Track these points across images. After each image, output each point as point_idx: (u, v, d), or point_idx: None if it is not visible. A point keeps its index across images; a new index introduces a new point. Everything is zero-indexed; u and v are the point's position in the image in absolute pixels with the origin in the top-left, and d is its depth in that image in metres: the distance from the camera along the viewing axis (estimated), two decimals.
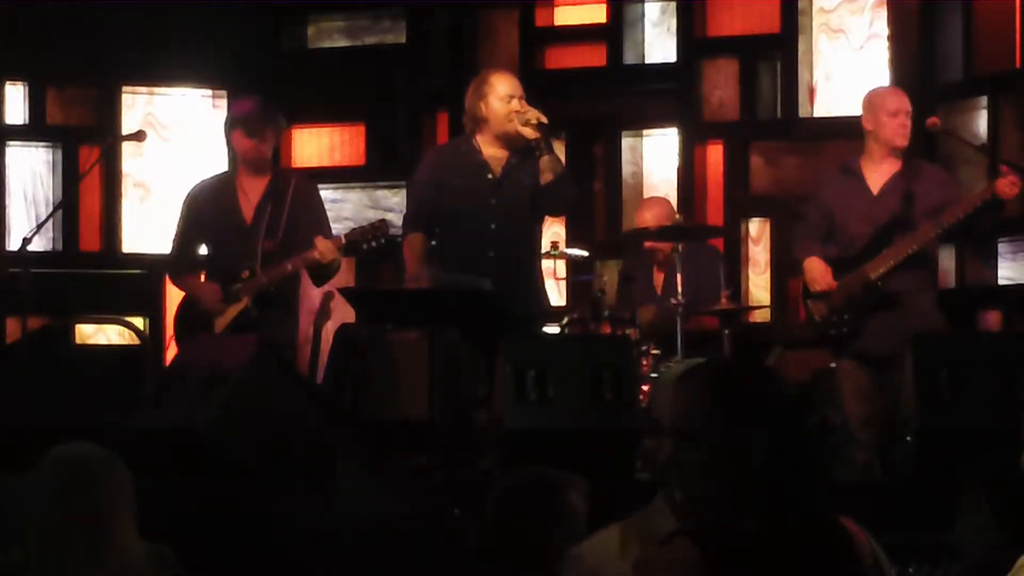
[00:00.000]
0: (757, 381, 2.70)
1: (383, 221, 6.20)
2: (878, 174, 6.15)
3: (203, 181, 6.61)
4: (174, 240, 6.55)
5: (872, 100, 6.20)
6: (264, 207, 6.32)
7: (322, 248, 6.06)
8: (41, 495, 3.26)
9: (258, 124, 6.29)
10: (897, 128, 6.09)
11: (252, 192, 6.36)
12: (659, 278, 7.08)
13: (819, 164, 7.87)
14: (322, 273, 6.29)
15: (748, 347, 7.05)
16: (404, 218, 6.34)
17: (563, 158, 6.95)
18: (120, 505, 3.28)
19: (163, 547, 3.39)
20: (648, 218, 6.97)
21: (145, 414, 5.52)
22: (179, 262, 6.52)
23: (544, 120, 5.87)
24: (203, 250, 6.55)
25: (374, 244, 6.12)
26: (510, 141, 5.98)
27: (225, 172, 6.56)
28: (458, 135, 6.49)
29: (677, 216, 6.75)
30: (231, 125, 6.38)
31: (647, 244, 7.03)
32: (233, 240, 6.31)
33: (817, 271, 6.13)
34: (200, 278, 6.50)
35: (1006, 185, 5.82)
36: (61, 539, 3.22)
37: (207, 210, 6.42)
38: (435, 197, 6.05)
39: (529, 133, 5.88)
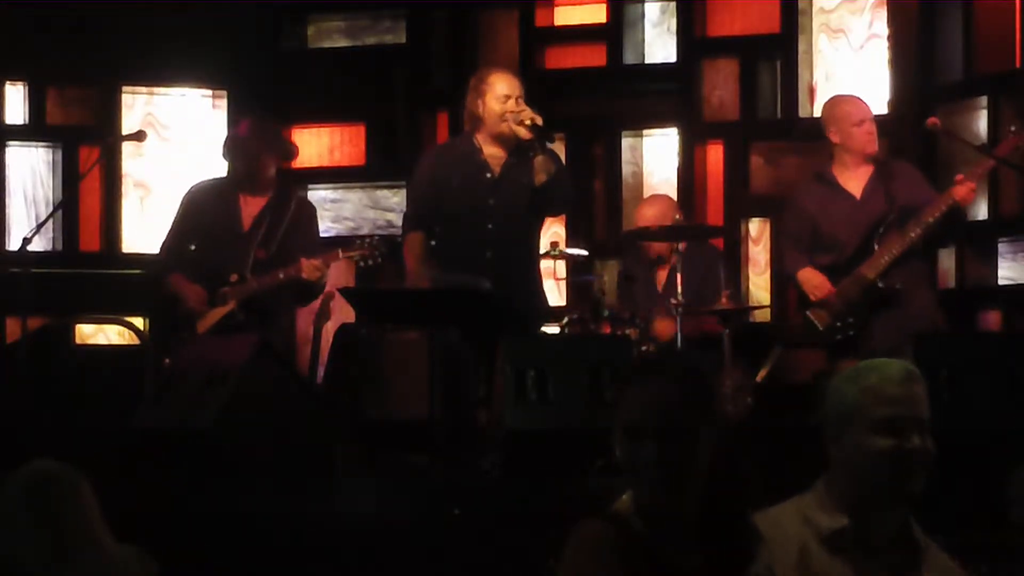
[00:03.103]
0: (703, 380, 2.75)
1: (379, 239, 6.22)
2: (855, 179, 6.22)
3: (204, 182, 6.63)
4: (168, 236, 6.55)
5: (833, 113, 6.28)
6: (263, 218, 6.34)
7: (307, 267, 6.09)
8: (3, 513, 3.33)
9: (257, 150, 6.33)
10: (865, 136, 6.18)
11: (253, 203, 6.39)
12: (661, 276, 7.06)
13: (819, 164, 7.87)
14: (306, 292, 6.31)
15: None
16: (404, 217, 6.34)
17: (563, 158, 6.94)
18: (81, 511, 3.32)
19: (140, 549, 3.41)
20: (650, 215, 6.96)
21: (145, 414, 5.52)
22: (172, 259, 6.49)
23: (538, 121, 5.85)
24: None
25: (371, 263, 6.14)
26: (505, 141, 5.98)
27: (229, 176, 6.54)
28: (458, 135, 6.49)
29: (677, 216, 6.75)
30: (232, 147, 6.40)
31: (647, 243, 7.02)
32: (226, 243, 6.32)
33: (814, 280, 6.17)
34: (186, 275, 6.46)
35: (963, 192, 5.89)
36: (27, 550, 3.27)
37: (206, 211, 6.42)
38: (435, 196, 6.05)
39: (522, 133, 5.87)
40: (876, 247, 6.08)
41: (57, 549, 3.27)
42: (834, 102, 6.40)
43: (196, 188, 6.58)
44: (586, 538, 2.66)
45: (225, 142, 6.52)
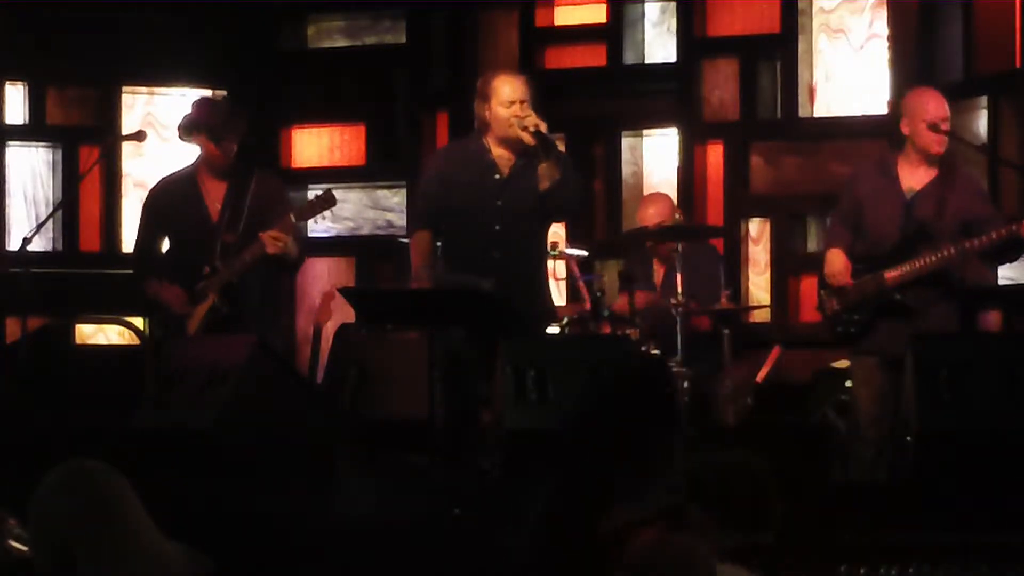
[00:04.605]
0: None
1: (328, 192, 6.18)
2: (913, 178, 5.94)
3: (164, 179, 6.45)
4: (138, 238, 6.43)
5: (910, 105, 5.98)
6: (227, 204, 6.23)
7: (267, 241, 6.01)
8: (42, 511, 3.32)
9: (220, 130, 6.21)
10: (934, 137, 5.85)
11: (216, 190, 6.27)
12: (659, 275, 7.06)
13: (819, 164, 7.88)
14: (283, 264, 6.22)
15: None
16: (411, 216, 6.31)
17: None
18: (132, 506, 3.32)
19: (195, 549, 3.41)
20: (650, 214, 6.94)
21: (145, 414, 5.52)
22: (142, 264, 6.40)
23: (542, 127, 5.80)
24: (163, 248, 6.45)
25: (325, 216, 6.17)
26: (513, 144, 5.96)
27: (187, 168, 6.38)
28: (458, 135, 6.48)
29: (677, 216, 6.74)
30: (192, 129, 6.29)
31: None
32: (197, 238, 6.20)
33: (837, 264, 5.98)
34: (163, 279, 6.35)
35: None
36: (81, 545, 3.26)
37: (171, 208, 6.29)
38: (442, 194, 6.02)
39: (527, 139, 5.83)
40: (908, 255, 5.89)
41: (112, 543, 3.26)
42: (913, 93, 6.08)
43: (157, 186, 6.44)
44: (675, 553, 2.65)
45: (185, 127, 6.31)
